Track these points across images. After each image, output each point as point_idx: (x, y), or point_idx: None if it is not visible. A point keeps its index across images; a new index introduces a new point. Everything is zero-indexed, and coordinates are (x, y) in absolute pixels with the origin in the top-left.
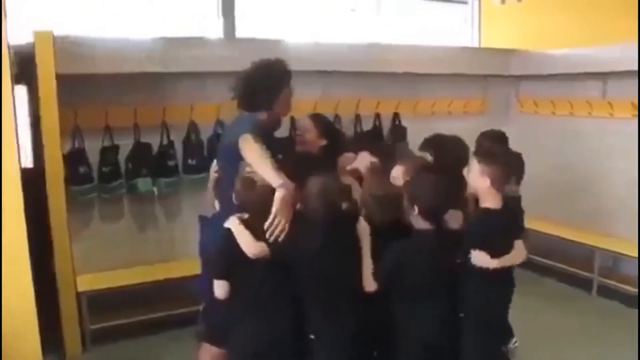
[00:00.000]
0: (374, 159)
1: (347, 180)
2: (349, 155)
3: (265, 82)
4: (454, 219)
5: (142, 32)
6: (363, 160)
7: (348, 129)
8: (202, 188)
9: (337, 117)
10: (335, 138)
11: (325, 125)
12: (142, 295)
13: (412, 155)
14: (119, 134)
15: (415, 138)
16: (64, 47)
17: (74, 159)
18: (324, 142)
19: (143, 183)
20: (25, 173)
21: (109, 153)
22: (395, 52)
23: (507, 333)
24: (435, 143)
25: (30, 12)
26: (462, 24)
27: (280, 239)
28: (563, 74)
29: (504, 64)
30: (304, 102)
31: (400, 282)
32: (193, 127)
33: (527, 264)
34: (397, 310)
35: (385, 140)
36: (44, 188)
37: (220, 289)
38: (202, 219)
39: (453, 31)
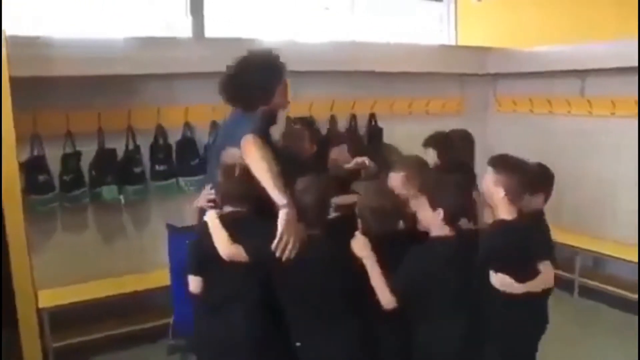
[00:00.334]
0: (366, 159)
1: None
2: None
3: (260, 75)
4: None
5: (106, 32)
6: (342, 153)
7: (323, 131)
8: (171, 195)
9: (311, 118)
10: (324, 145)
11: (317, 132)
12: (110, 309)
13: (404, 158)
14: (82, 139)
15: (391, 140)
16: (18, 48)
17: (33, 167)
18: (315, 149)
19: (108, 191)
20: None
21: (70, 160)
22: (370, 50)
23: None
24: (440, 140)
25: None
26: (437, 22)
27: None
28: (541, 72)
29: (481, 62)
30: None
31: (427, 296)
32: (160, 131)
33: None
34: (416, 327)
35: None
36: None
37: (192, 283)
38: (171, 228)
39: (429, 29)
